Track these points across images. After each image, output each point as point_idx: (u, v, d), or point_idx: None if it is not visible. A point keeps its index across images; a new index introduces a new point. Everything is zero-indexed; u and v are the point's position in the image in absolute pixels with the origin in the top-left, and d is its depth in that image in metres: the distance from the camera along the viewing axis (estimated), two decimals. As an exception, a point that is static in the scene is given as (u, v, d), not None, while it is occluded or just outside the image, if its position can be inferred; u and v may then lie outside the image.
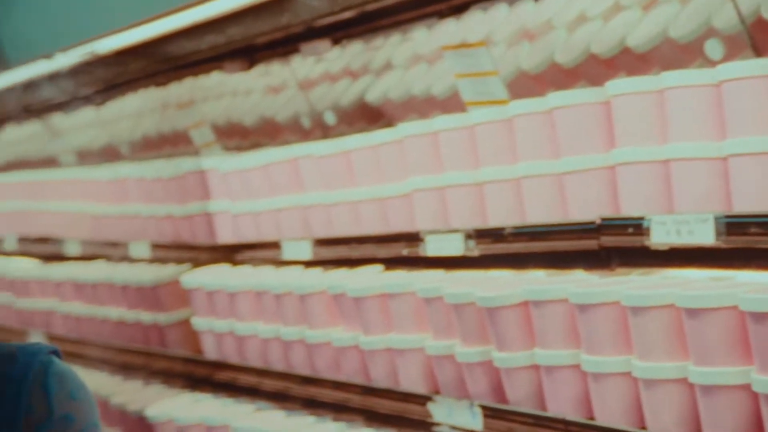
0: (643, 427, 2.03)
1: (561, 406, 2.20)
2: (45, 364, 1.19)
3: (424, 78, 2.84)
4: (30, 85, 4.17)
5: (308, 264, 3.14)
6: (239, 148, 3.47)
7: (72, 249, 4.46)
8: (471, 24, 2.81)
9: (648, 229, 2.03)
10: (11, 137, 4.98)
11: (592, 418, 2.13)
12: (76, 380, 1.21)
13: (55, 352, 1.22)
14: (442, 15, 2.97)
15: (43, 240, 4.66)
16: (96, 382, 3.96)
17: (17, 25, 3.78)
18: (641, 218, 2.05)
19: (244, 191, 3.27)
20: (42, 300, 4.42)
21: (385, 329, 2.69)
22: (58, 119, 4.57)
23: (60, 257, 4.56)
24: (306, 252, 3.06)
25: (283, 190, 3.11)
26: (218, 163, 3.39)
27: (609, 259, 2.29)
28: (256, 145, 3.40)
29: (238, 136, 3.47)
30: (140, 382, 3.85)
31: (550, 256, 2.40)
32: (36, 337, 4.43)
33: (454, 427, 2.55)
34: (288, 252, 3.13)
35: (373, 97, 2.97)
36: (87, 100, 4.26)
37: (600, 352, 2.07)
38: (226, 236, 3.41)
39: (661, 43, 2.21)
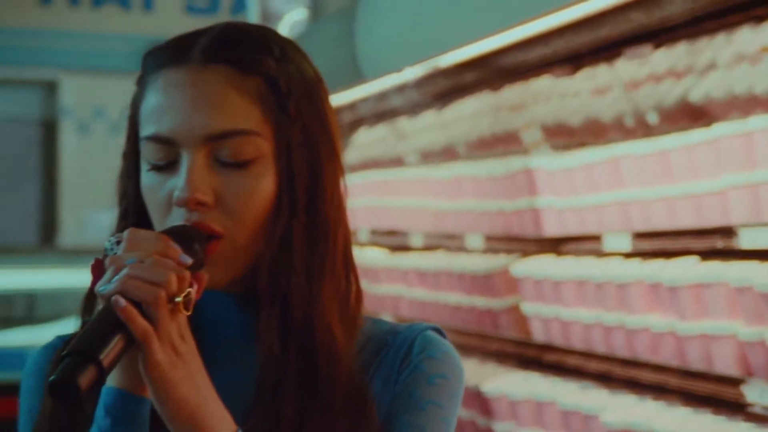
0: None
1: None
2: (420, 333, 1.37)
3: (747, 77, 2.81)
4: (381, 95, 4.31)
5: (627, 255, 3.15)
6: (566, 147, 3.48)
7: (416, 241, 4.59)
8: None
9: None
10: (364, 140, 5.15)
11: None
12: (439, 345, 1.38)
13: (437, 329, 1.40)
14: (761, 19, 2.92)
15: (391, 233, 4.82)
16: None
17: (372, 46, 3.96)
18: None
19: (569, 188, 3.31)
20: (391, 286, 4.59)
21: (699, 316, 2.71)
22: (403, 123, 4.71)
23: (406, 248, 4.70)
24: (625, 244, 3.09)
25: (605, 187, 3.14)
26: (545, 162, 3.44)
27: None
28: (582, 144, 3.40)
29: (565, 135, 3.47)
30: (476, 361, 3.91)
31: None
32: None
33: (766, 408, 2.55)
34: (608, 244, 3.16)
35: (696, 96, 2.95)
36: (428, 106, 4.37)
37: None
38: (551, 229, 3.45)
39: None
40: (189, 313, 1.22)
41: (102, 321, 1.16)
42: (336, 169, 1.38)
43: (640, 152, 2.99)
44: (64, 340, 1.44)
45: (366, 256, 4.84)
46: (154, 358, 1.19)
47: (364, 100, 4.51)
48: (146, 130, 1.34)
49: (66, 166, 8.94)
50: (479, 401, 3.58)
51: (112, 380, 1.25)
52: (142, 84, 1.37)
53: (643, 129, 3.13)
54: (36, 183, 9.14)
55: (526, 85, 3.68)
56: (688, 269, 2.79)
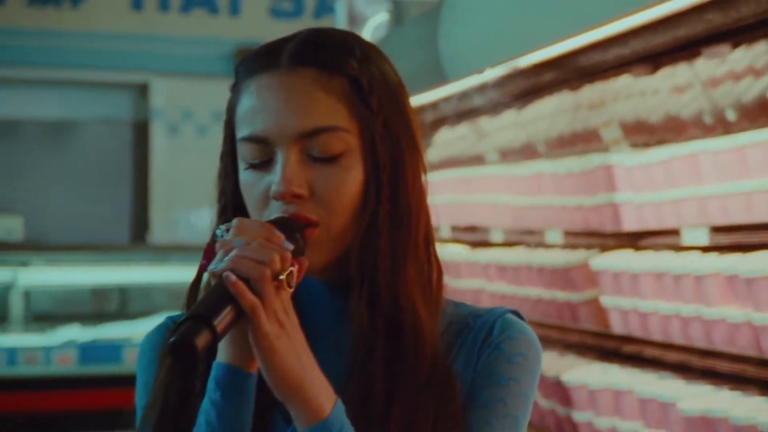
0: None
1: None
2: (500, 317, 1.46)
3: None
4: (463, 95, 4.37)
5: (705, 249, 3.18)
6: (646, 144, 3.50)
7: (496, 236, 4.63)
8: None
9: None
10: (444, 139, 5.20)
11: None
12: (518, 327, 1.46)
13: (516, 312, 1.48)
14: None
15: (472, 229, 4.87)
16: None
17: (454, 48, 4.03)
18: None
19: (647, 184, 3.34)
20: (471, 280, 4.63)
21: (775, 307, 2.74)
22: (483, 122, 4.74)
23: (486, 244, 4.74)
24: (703, 238, 3.12)
25: (683, 183, 3.17)
26: (623, 159, 3.47)
27: None
28: (661, 141, 3.41)
29: (645, 133, 3.49)
30: (556, 353, 3.95)
31: None
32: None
33: (841, 399, 2.57)
34: (686, 238, 3.19)
35: (775, 93, 2.96)
36: (508, 105, 4.40)
37: None
38: (630, 224, 3.48)
39: None
40: (292, 290, 1.32)
41: (214, 294, 1.27)
42: (417, 161, 1.47)
43: (717, 148, 3.02)
44: (174, 320, 1.55)
45: (447, 251, 4.88)
46: (262, 329, 1.29)
47: (446, 100, 4.57)
48: (242, 131, 1.44)
49: (156, 167, 9.11)
50: (559, 391, 3.62)
51: (222, 356, 1.35)
52: (236, 90, 1.47)
53: (721, 126, 3.14)
54: (128, 182, 9.32)
55: (605, 84, 3.70)
56: (764, 262, 2.82)
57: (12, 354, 6.54)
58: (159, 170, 9.08)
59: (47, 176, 9.10)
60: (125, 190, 9.28)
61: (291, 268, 1.32)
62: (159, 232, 9.00)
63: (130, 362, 6.57)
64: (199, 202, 8.87)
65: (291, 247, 1.33)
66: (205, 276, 1.42)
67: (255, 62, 1.45)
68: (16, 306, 7.12)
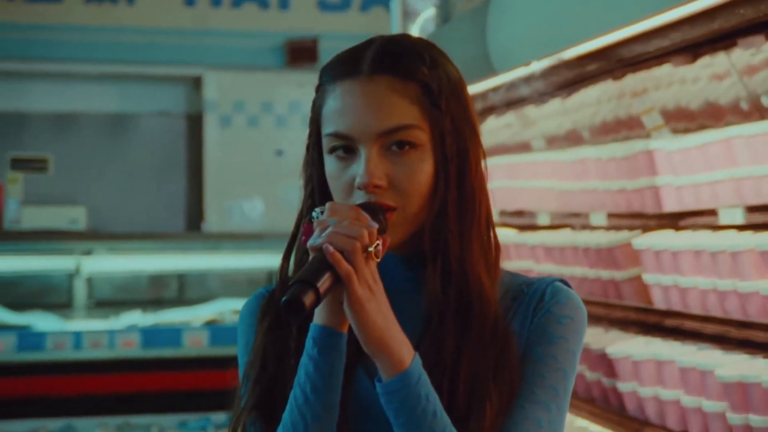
0: None
1: None
2: (550, 284, 1.69)
3: None
4: (510, 86, 4.49)
5: (740, 228, 3.34)
6: (686, 130, 3.60)
7: (543, 220, 4.78)
8: None
9: None
10: (492, 127, 5.30)
11: None
12: (566, 293, 1.69)
13: (563, 281, 1.71)
14: None
15: (519, 213, 5.03)
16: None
17: (502, 42, 4.18)
18: None
19: (686, 167, 3.50)
20: (520, 262, 4.74)
21: (805, 280, 2.91)
22: (529, 111, 4.85)
23: (533, 227, 4.89)
24: (738, 217, 3.28)
25: (719, 166, 3.33)
26: (664, 144, 3.63)
27: None
28: (701, 127, 3.52)
29: (685, 119, 3.59)
30: (601, 329, 4.08)
31: None
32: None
33: None
34: (723, 218, 3.35)
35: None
36: (553, 94, 4.51)
37: None
38: (670, 206, 3.63)
39: None
40: (378, 261, 1.57)
41: (315, 264, 1.52)
42: (477, 150, 1.72)
43: (751, 132, 3.19)
44: (268, 290, 1.79)
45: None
46: (355, 293, 1.53)
47: (494, 90, 4.68)
48: (328, 128, 1.68)
49: (210, 157, 9.28)
50: (605, 363, 3.77)
51: (317, 319, 1.60)
52: (321, 92, 1.72)
53: (757, 112, 3.24)
54: (183, 173, 9.51)
55: (647, 73, 3.80)
56: (795, 238, 2.99)
57: (78, 338, 6.74)
58: (212, 161, 9.25)
59: (107, 168, 9.31)
60: (180, 181, 9.46)
61: (377, 242, 1.57)
62: (213, 220, 9.18)
63: (190, 345, 6.79)
64: (251, 191, 9.08)
65: (376, 225, 1.58)
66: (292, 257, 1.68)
67: (338, 69, 1.69)
68: (80, 292, 7.36)
